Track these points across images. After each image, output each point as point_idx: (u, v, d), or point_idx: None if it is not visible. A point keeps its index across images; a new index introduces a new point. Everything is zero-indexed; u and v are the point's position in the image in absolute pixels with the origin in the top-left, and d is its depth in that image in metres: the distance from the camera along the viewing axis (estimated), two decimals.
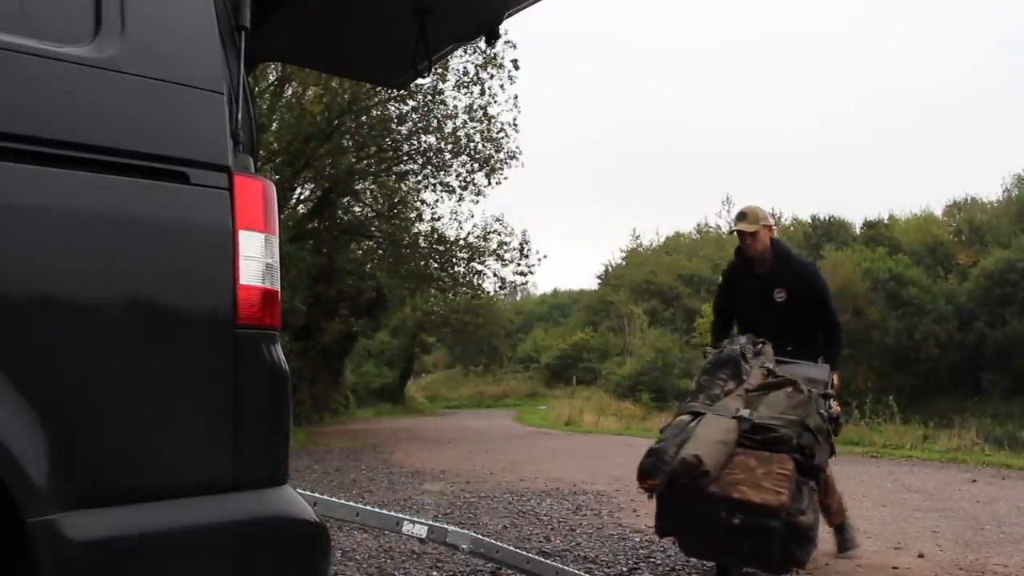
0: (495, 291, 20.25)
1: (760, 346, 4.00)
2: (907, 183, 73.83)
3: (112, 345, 1.50)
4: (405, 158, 16.10)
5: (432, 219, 17.32)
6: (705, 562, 4.23)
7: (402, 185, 17.30)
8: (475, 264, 17.35)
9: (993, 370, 29.78)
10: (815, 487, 3.39)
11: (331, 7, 3.12)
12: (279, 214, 1.84)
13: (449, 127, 15.29)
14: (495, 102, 15.18)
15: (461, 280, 17.52)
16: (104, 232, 1.51)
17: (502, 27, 3.48)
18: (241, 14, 1.87)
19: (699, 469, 3.13)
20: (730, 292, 4.57)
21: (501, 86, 15.23)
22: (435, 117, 15.19)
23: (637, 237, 57.15)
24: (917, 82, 78.39)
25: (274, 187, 1.77)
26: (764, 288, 4.34)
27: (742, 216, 4.32)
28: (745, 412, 3.41)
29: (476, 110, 15.11)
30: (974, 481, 7.50)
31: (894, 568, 4.18)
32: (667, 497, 3.31)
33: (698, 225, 48.82)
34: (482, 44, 14.65)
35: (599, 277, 45.48)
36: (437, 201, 17.01)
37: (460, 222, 18.04)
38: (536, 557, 3.44)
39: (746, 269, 4.44)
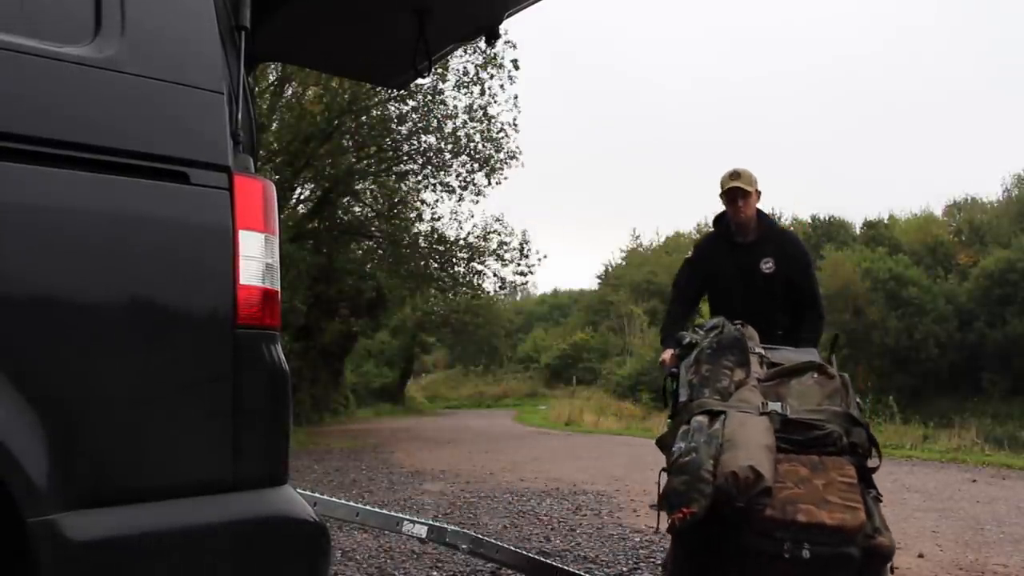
0: (495, 291, 20.26)
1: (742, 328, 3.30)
2: (907, 183, 73.88)
3: (112, 345, 1.50)
4: (405, 158, 16.11)
5: (432, 219, 17.33)
6: None
7: (402, 185, 17.30)
8: (475, 264, 17.36)
9: (993, 370, 29.76)
10: (879, 496, 2.78)
11: (331, 7, 3.12)
12: (279, 214, 1.84)
13: (449, 127, 15.30)
14: (495, 102, 15.20)
15: (461, 280, 17.52)
16: (104, 232, 1.51)
17: (502, 27, 3.48)
18: (241, 14, 1.87)
19: (759, 485, 2.44)
20: (704, 270, 3.98)
21: (501, 86, 15.23)
22: (435, 117, 15.19)
23: (637, 237, 57.09)
24: (918, 82, 78.39)
25: (274, 187, 1.77)
26: (749, 259, 3.85)
27: (736, 175, 3.79)
28: (775, 406, 2.76)
29: (476, 110, 15.12)
30: (974, 481, 7.50)
31: (894, 568, 4.18)
32: (700, 529, 2.52)
33: (698, 225, 48.68)
34: (482, 44, 14.68)
35: (599, 277, 45.51)
36: (437, 201, 17.03)
37: (460, 222, 18.04)
38: (536, 557, 3.44)
39: (726, 241, 3.94)
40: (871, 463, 2.75)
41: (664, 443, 2.95)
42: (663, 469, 2.73)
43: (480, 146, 15.49)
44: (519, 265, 17.43)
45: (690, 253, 4.18)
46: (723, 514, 2.49)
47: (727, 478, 2.46)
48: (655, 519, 3.38)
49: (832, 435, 2.67)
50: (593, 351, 34.08)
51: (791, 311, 3.79)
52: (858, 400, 2.97)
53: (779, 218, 40.11)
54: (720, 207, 3.93)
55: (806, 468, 2.58)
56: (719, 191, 3.87)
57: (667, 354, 3.64)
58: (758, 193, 3.86)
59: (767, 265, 3.83)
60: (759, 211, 3.90)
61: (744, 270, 3.84)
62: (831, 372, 2.95)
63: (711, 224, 4.15)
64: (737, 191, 3.77)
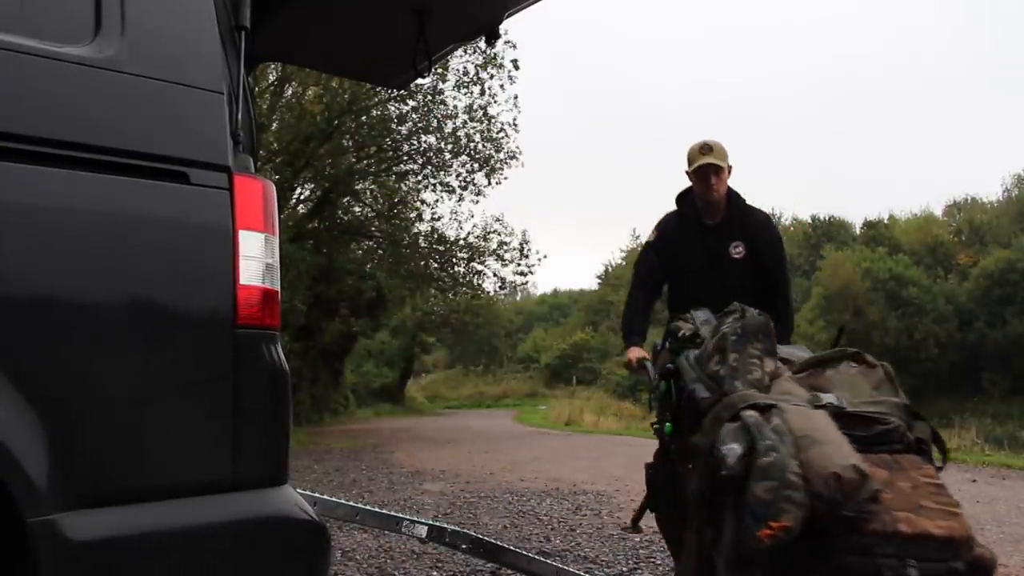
0: (495, 291, 20.26)
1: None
2: (907, 183, 73.87)
3: (112, 345, 1.50)
4: (405, 158, 16.11)
5: (432, 219, 17.34)
6: None
7: (402, 185, 17.30)
8: (475, 264, 17.36)
9: (993, 370, 29.78)
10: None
11: (331, 7, 3.12)
12: (279, 214, 1.84)
13: (449, 127, 15.30)
14: (495, 102, 15.20)
15: (461, 280, 17.52)
16: (104, 232, 1.51)
17: (502, 27, 3.48)
18: (241, 14, 1.87)
19: (866, 488, 2.02)
20: (669, 252, 3.55)
21: (501, 86, 15.22)
22: (435, 117, 15.19)
23: (637, 237, 56.97)
24: (918, 82, 78.34)
25: (274, 187, 1.77)
26: (717, 243, 3.47)
27: (707, 148, 3.40)
28: (829, 398, 2.37)
29: (476, 110, 15.12)
30: (974, 481, 7.50)
31: None
32: (790, 547, 2.03)
33: None
34: (482, 44, 14.68)
35: (599, 277, 45.56)
36: (437, 201, 17.03)
37: (460, 222, 18.03)
38: (537, 557, 3.44)
39: (692, 222, 3.54)
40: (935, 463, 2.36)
41: (693, 450, 2.43)
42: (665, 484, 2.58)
43: (480, 146, 15.49)
44: (519, 265, 17.44)
45: (651, 235, 3.67)
46: (818, 528, 2.01)
47: (827, 480, 2.00)
48: (655, 520, 3.36)
49: (898, 430, 2.28)
50: (593, 351, 34.11)
51: (760, 301, 3.09)
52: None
53: (779, 219, 40.24)
54: (684, 182, 3.56)
55: (883, 469, 2.16)
56: (686, 166, 3.48)
57: (634, 352, 3.35)
58: (730, 169, 3.46)
59: (737, 250, 3.47)
60: (729, 189, 3.50)
61: (712, 254, 3.48)
62: (870, 360, 2.57)
63: (674, 202, 3.69)
64: (709, 168, 3.38)
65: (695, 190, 3.51)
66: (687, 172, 3.49)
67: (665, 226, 3.62)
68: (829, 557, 2.05)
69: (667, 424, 2.78)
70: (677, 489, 2.78)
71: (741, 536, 2.12)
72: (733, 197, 3.53)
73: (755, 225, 3.55)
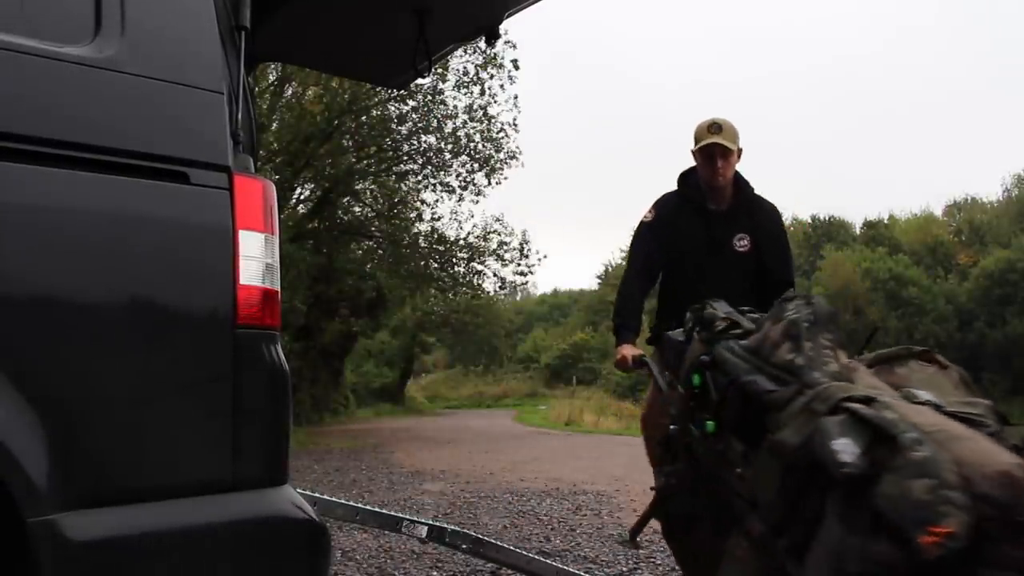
0: (495, 291, 20.26)
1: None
2: (907, 183, 73.91)
3: (112, 345, 1.50)
4: (405, 158, 16.12)
5: (432, 219, 17.35)
6: None
7: (402, 185, 17.32)
8: (475, 264, 17.37)
9: (993, 370, 29.75)
10: None
11: (331, 7, 3.12)
12: (279, 214, 1.84)
13: (449, 127, 15.31)
14: (495, 102, 15.21)
15: (461, 280, 17.53)
16: (104, 232, 1.51)
17: (502, 27, 3.47)
18: (241, 14, 1.87)
19: None
20: (667, 236, 3.24)
21: (501, 86, 15.22)
22: (435, 117, 15.21)
23: None
24: (918, 82, 78.38)
25: (274, 187, 1.77)
26: (721, 231, 3.19)
27: (716, 127, 3.10)
28: (925, 395, 2.12)
29: (476, 110, 15.13)
30: None
31: None
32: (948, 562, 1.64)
33: None
34: (482, 44, 14.69)
35: (599, 277, 45.52)
36: (437, 201, 17.04)
37: (460, 222, 18.03)
38: (537, 557, 3.44)
39: (694, 205, 3.24)
40: None
41: (777, 448, 2.00)
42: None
43: (480, 146, 15.50)
44: (519, 265, 17.45)
45: (648, 215, 3.33)
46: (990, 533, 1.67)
47: (996, 480, 1.68)
48: (662, 530, 3.19)
49: (999, 434, 2.01)
50: (593, 351, 34.07)
51: (764, 302, 2.68)
52: None
53: None
54: (688, 162, 3.30)
55: None
56: (692, 145, 3.19)
57: (628, 349, 3.08)
58: (740, 152, 3.18)
59: (742, 243, 3.18)
60: (737, 174, 3.23)
61: (713, 243, 3.19)
62: (942, 360, 2.40)
63: (676, 181, 3.34)
64: (717, 148, 3.08)
65: (700, 172, 3.22)
66: (692, 151, 3.21)
67: (664, 207, 3.30)
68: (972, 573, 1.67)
69: (708, 422, 2.35)
70: (709, 494, 2.44)
71: (869, 546, 1.75)
72: (741, 184, 3.25)
73: (762, 217, 3.26)
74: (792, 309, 2.30)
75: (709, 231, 3.22)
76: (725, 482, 2.31)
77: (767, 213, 3.30)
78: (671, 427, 2.63)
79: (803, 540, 1.94)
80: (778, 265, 3.24)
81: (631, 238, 3.41)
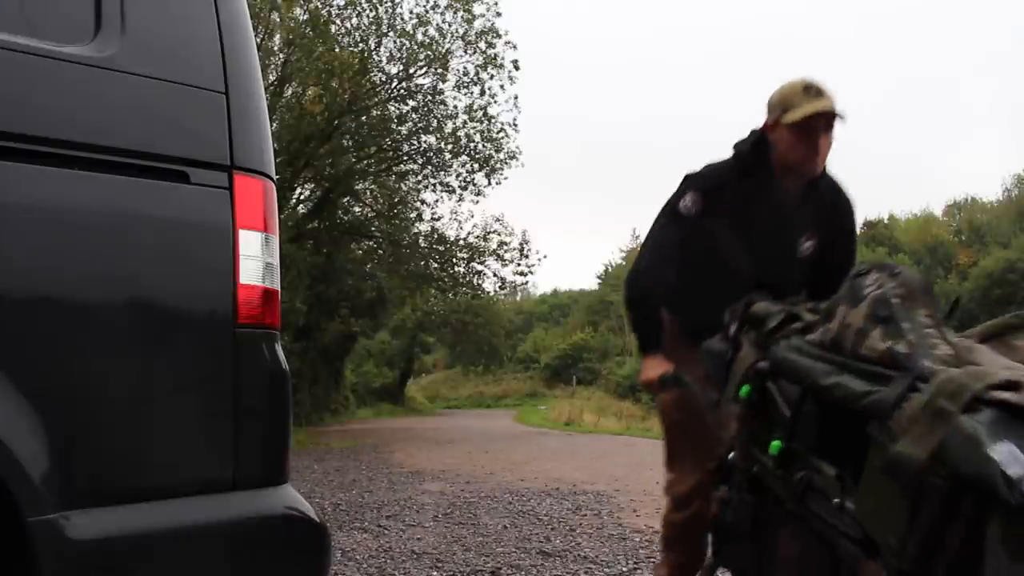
0: (495, 291, 20.29)
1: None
2: (907, 183, 73.89)
3: (112, 344, 1.50)
4: (405, 158, 16.16)
5: (432, 219, 17.39)
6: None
7: (402, 185, 17.36)
8: (475, 264, 17.41)
9: None
10: None
11: None
12: (279, 214, 1.84)
13: (449, 127, 15.35)
14: (495, 102, 15.24)
15: (461, 280, 17.57)
16: (104, 232, 1.51)
17: (503, 28, 3.42)
18: None
19: None
20: (711, 230, 2.46)
21: (501, 86, 15.25)
22: (435, 117, 15.23)
23: (637, 237, 57.07)
24: (917, 81, 78.37)
25: (274, 187, 1.77)
26: (789, 230, 2.48)
27: (816, 91, 2.33)
28: None
29: (476, 110, 15.15)
30: None
31: None
32: None
33: None
34: (482, 45, 14.71)
35: (599, 277, 45.57)
36: (437, 201, 17.10)
37: (460, 222, 18.07)
38: None
39: (760, 190, 2.45)
40: None
41: (897, 463, 1.47)
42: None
43: (480, 146, 15.52)
44: (519, 265, 17.49)
45: (689, 200, 2.47)
46: None
47: None
48: (655, 519, 3.30)
49: None
50: (593, 351, 34.11)
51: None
52: None
53: None
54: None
55: None
56: (772, 113, 2.38)
57: (656, 365, 2.42)
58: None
59: (806, 245, 2.48)
60: None
61: (780, 246, 2.47)
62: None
63: (734, 156, 2.52)
64: (822, 120, 2.33)
65: (784, 152, 2.38)
66: (774, 124, 2.39)
67: (713, 186, 2.47)
68: None
69: (774, 443, 1.83)
70: (792, 537, 1.94)
71: None
72: (821, 175, 2.49)
73: (837, 211, 2.53)
74: (872, 283, 1.80)
75: (776, 227, 2.46)
76: (818, 519, 1.77)
77: (842, 206, 2.55)
78: (729, 456, 2.09)
79: None
80: (838, 276, 2.27)
81: (656, 219, 2.58)
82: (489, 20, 14.67)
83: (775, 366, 1.91)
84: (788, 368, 1.86)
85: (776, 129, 2.39)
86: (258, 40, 3.30)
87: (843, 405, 1.65)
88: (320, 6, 13.82)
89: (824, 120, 2.34)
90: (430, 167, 16.06)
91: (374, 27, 14.35)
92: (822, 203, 2.50)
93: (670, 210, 2.53)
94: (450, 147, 15.49)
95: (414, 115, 15.32)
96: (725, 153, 2.57)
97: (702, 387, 2.27)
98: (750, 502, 2.02)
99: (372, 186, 17.39)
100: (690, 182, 2.51)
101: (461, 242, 17.20)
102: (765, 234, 2.45)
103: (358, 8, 14.25)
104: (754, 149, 2.46)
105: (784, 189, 2.44)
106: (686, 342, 2.48)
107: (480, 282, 17.83)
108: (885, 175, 74.31)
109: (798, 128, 2.32)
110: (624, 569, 4.14)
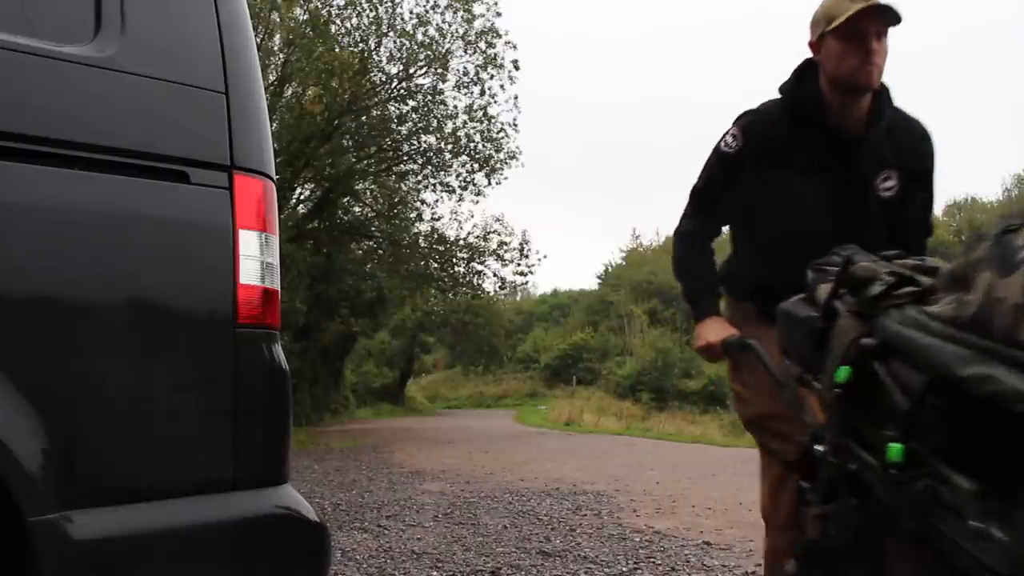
0: (495, 291, 20.31)
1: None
2: None
3: (112, 345, 1.50)
4: (405, 158, 16.17)
5: (432, 219, 17.41)
6: (705, 562, 4.24)
7: (402, 185, 17.38)
8: (475, 264, 17.43)
9: None
10: None
11: None
12: (279, 214, 1.84)
13: (449, 127, 15.36)
14: (495, 102, 15.25)
15: (461, 280, 17.58)
16: (104, 231, 1.51)
17: (503, 28, 3.42)
18: None
19: None
20: (762, 174, 2.14)
21: (501, 86, 15.27)
22: (435, 117, 15.24)
23: (637, 237, 57.13)
24: (917, 81, 78.42)
25: (274, 187, 1.77)
26: (856, 168, 2.12)
27: None
28: None
29: (476, 110, 15.16)
30: None
31: None
32: None
33: None
34: (482, 45, 14.72)
35: (599, 277, 45.57)
36: (437, 201, 17.13)
37: (460, 222, 18.12)
38: None
39: (812, 124, 2.12)
40: None
41: None
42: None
43: (480, 146, 15.53)
44: (519, 265, 17.51)
45: (731, 141, 2.19)
46: None
47: None
48: (655, 519, 3.30)
49: None
50: (593, 351, 34.08)
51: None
52: None
53: None
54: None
55: None
56: (822, 26, 2.04)
57: (717, 328, 2.13)
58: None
59: (887, 184, 2.11)
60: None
61: (845, 186, 2.11)
62: None
63: (778, 91, 2.22)
64: (871, 20, 1.97)
65: (834, 68, 2.05)
66: (819, 40, 2.07)
67: (758, 126, 2.17)
68: None
69: (893, 446, 1.41)
70: (889, 551, 1.56)
71: None
72: (884, 95, 2.13)
73: (915, 146, 2.17)
74: (974, 246, 1.43)
75: (841, 165, 2.12)
76: (949, 542, 1.37)
77: (922, 141, 2.20)
78: (816, 448, 1.71)
79: None
80: (926, 221, 2.21)
81: (703, 166, 2.30)
82: (489, 20, 14.71)
83: (886, 343, 1.51)
84: (908, 349, 1.45)
85: (822, 45, 2.06)
86: (258, 40, 3.30)
87: (994, 405, 1.23)
88: (320, 6, 13.84)
89: (875, 19, 1.98)
90: (430, 167, 16.08)
91: (374, 27, 14.37)
92: (895, 132, 2.14)
93: (714, 151, 2.26)
94: (450, 147, 15.51)
95: (414, 115, 15.34)
96: None
97: (777, 360, 1.91)
98: (855, 509, 1.63)
99: (372, 186, 17.41)
100: (736, 120, 2.23)
101: (461, 242, 17.23)
102: (816, 167, 2.10)
103: (358, 8, 14.28)
104: (799, 76, 2.14)
105: (843, 116, 2.09)
106: (744, 310, 2.25)
107: (480, 282, 17.86)
108: None
109: (845, 33, 1.99)
110: (624, 569, 4.14)
